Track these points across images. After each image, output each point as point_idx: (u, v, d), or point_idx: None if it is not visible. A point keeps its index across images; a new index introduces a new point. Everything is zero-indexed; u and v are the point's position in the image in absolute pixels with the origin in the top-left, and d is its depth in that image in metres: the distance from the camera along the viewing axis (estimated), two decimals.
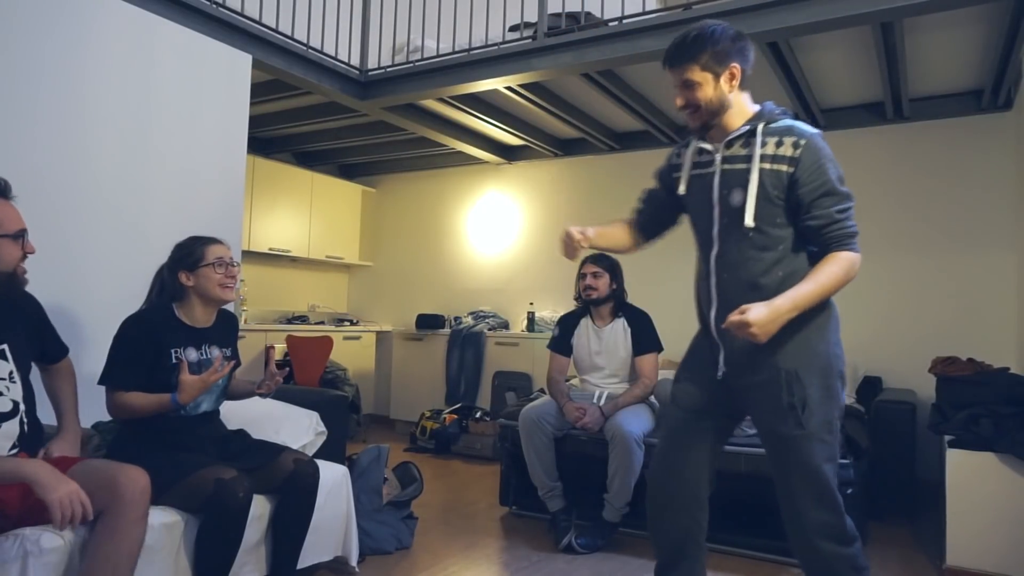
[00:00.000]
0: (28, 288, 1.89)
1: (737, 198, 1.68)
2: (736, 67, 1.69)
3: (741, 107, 1.73)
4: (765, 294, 1.64)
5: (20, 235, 1.78)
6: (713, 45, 1.68)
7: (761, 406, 1.69)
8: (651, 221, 2.00)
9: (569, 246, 1.87)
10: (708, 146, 1.77)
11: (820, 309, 1.65)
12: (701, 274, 1.82)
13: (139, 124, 2.87)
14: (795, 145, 1.63)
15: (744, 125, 1.71)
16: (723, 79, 1.68)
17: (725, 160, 1.72)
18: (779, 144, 1.65)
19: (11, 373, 1.80)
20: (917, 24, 3.18)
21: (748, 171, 1.66)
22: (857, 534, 1.66)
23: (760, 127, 1.68)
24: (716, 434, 1.83)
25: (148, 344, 2.06)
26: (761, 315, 1.54)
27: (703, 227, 1.79)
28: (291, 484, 2.13)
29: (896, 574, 2.75)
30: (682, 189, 1.83)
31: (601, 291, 3.24)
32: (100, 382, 2.04)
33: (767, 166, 1.65)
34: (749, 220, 1.65)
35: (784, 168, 1.63)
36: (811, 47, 3.49)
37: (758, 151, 1.66)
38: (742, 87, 1.73)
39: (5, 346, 1.80)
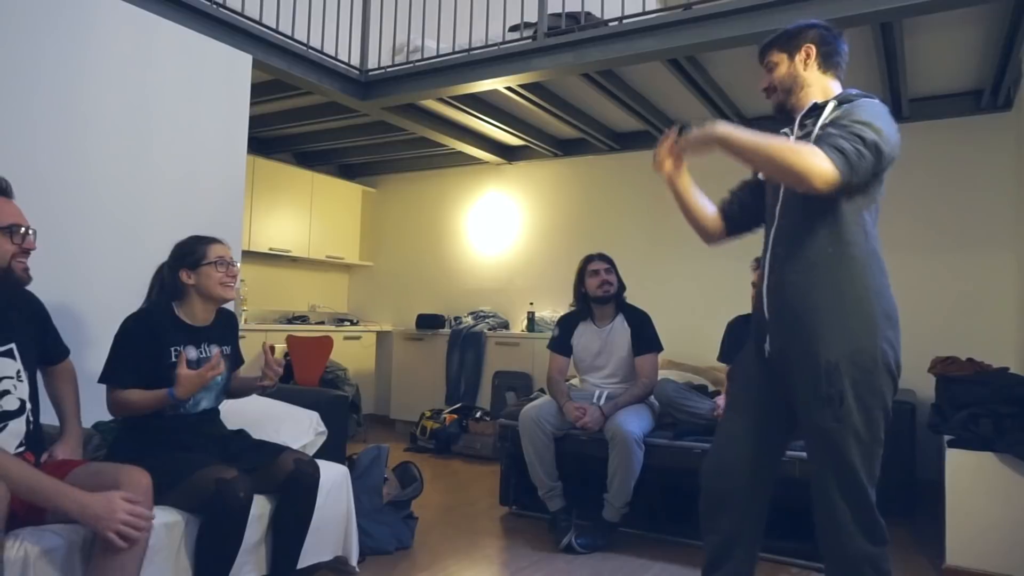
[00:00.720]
0: (29, 287, 1.89)
1: None
2: (811, 47, 1.74)
3: (824, 88, 1.76)
4: (808, 271, 1.63)
5: (10, 229, 1.74)
6: (789, 30, 1.78)
7: (802, 394, 1.65)
8: (738, 207, 1.91)
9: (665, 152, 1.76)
10: (787, 130, 1.80)
11: (867, 301, 1.61)
12: (763, 252, 1.80)
13: (139, 124, 2.87)
14: (845, 108, 1.64)
15: (817, 101, 1.74)
16: (797, 58, 1.75)
17: (797, 139, 1.73)
18: (840, 116, 1.65)
19: (18, 372, 1.80)
20: (917, 24, 3.18)
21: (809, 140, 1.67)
22: (887, 537, 1.62)
23: (832, 103, 1.69)
24: (772, 433, 1.77)
25: (148, 342, 2.07)
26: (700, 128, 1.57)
27: (770, 204, 1.79)
28: (291, 484, 2.13)
29: (896, 574, 2.74)
30: (762, 174, 1.85)
31: (615, 286, 3.25)
32: (100, 380, 2.04)
33: (821, 132, 1.64)
34: None
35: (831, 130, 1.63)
36: None
37: (820, 121, 1.67)
38: (825, 70, 1.76)
39: (12, 345, 1.80)
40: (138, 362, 2.04)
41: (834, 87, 1.77)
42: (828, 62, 1.76)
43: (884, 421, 1.62)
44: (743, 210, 1.90)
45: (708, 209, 1.90)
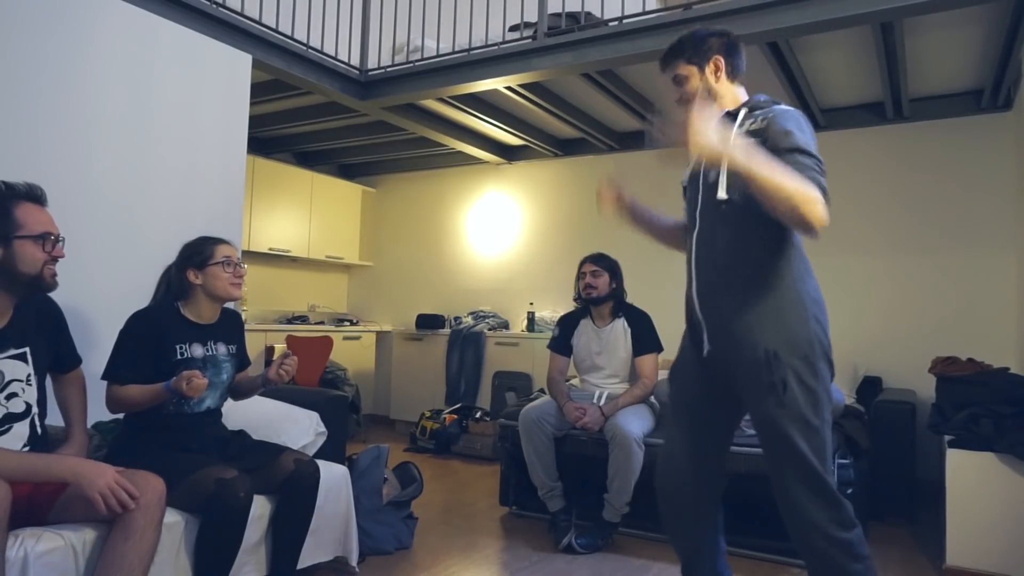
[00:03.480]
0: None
1: (713, 175, 1.73)
2: (719, 59, 1.79)
3: (733, 98, 1.81)
4: (733, 268, 1.67)
5: (43, 238, 1.78)
6: (694, 41, 1.81)
7: (746, 387, 1.67)
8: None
9: (606, 199, 1.93)
10: None
11: (794, 289, 1.64)
12: (687, 256, 1.84)
13: (139, 124, 2.87)
14: (764, 118, 1.68)
15: (729, 110, 1.78)
16: (708, 71, 1.80)
17: None
18: (753, 122, 1.70)
19: (29, 376, 1.82)
20: (917, 24, 3.18)
21: None
22: (856, 521, 1.61)
23: (743, 111, 1.75)
24: (717, 428, 1.81)
25: (152, 340, 2.08)
26: (709, 128, 1.52)
27: (690, 210, 1.83)
28: (292, 484, 2.13)
29: (896, 574, 2.75)
30: (683, 180, 1.90)
31: (601, 290, 3.24)
32: (103, 377, 2.05)
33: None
34: (722, 192, 1.69)
35: (754, 140, 1.65)
36: (811, 47, 3.49)
37: (735, 129, 1.70)
38: (733, 79, 1.81)
39: (27, 349, 1.82)
40: (140, 359, 2.05)
41: (741, 94, 1.82)
42: (734, 71, 1.82)
43: (829, 404, 1.64)
44: None
45: (668, 225, 2.02)
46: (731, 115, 1.76)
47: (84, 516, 1.72)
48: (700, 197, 1.78)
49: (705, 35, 1.81)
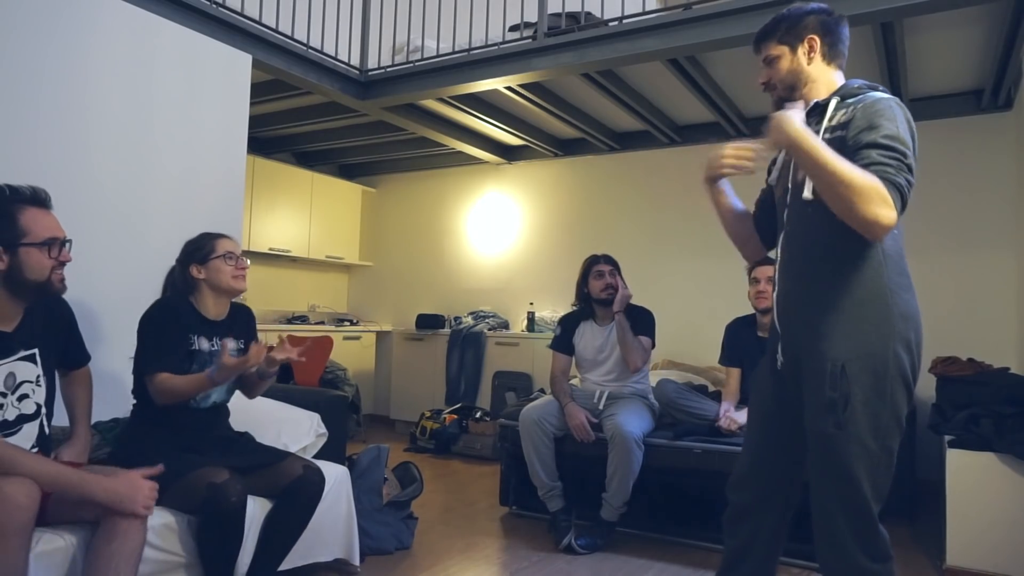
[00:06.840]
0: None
1: (802, 173, 1.59)
2: (814, 39, 1.64)
3: (828, 82, 1.66)
4: (814, 275, 1.56)
5: (48, 243, 1.77)
6: (788, 18, 1.67)
7: (808, 401, 1.57)
8: (763, 224, 1.83)
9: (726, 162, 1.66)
10: None
11: (880, 301, 1.50)
12: (776, 260, 1.73)
13: (139, 124, 2.86)
14: (854, 109, 1.54)
15: (818, 100, 1.64)
16: (800, 51, 1.65)
17: None
18: (844, 112, 1.56)
19: (38, 377, 1.83)
20: (917, 24, 3.18)
21: None
22: (890, 554, 1.55)
23: (834, 100, 1.60)
24: (786, 441, 1.69)
25: (175, 328, 2.10)
26: (785, 115, 1.47)
27: (780, 209, 1.72)
28: (295, 489, 2.12)
29: (896, 574, 2.74)
30: (772, 178, 1.79)
31: (618, 290, 3.25)
32: (139, 370, 2.04)
33: (828, 136, 1.55)
34: (807, 192, 1.55)
35: (840, 134, 1.53)
36: None
37: (825, 123, 1.58)
38: (830, 62, 1.67)
39: (36, 350, 1.83)
40: (170, 347, 2.06)
41: (837, 79, 1.67)
42: (832, 52, 1.66)
43: (896, 431, 1.52)
44: (766, 224, 1.81)
45: (740, 210, 1.83)
46: (820, 106, 1.62)
47: (72, 517, 1.72)
48: (789, 198, 1.65)
49: (802, 12, 1.65)
